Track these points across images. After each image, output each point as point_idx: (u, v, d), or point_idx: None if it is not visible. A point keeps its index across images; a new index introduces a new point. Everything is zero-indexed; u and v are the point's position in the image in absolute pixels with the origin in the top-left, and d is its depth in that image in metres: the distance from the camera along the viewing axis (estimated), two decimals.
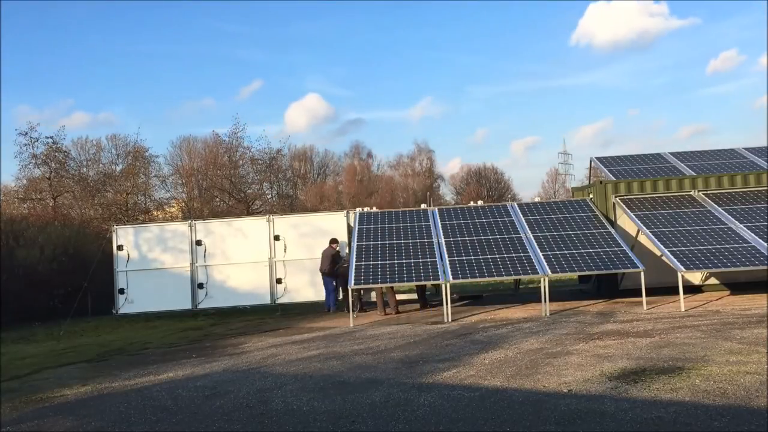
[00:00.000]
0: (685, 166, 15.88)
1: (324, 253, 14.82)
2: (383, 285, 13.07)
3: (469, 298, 15.95)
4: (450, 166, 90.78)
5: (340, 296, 15.03)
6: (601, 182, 15.12)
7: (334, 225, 15.66)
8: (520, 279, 15.40)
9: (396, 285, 13.84)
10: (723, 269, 11.65)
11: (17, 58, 70.23)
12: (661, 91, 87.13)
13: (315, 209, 35.59)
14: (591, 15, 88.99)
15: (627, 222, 14.23)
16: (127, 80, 79.00)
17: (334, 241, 14.97)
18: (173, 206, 33.63)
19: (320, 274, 14.92)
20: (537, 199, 19.02)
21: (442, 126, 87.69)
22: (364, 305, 14.68)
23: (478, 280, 12.69)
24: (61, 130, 36.39)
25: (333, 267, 14.65)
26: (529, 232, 13.70)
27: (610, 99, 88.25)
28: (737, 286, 13.65)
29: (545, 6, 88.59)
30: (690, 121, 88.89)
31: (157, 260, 16.00)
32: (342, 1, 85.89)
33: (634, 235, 13.94)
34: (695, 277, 13.92)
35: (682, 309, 11.17)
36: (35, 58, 73.63)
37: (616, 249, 12.67)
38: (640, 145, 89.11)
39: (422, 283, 12.94)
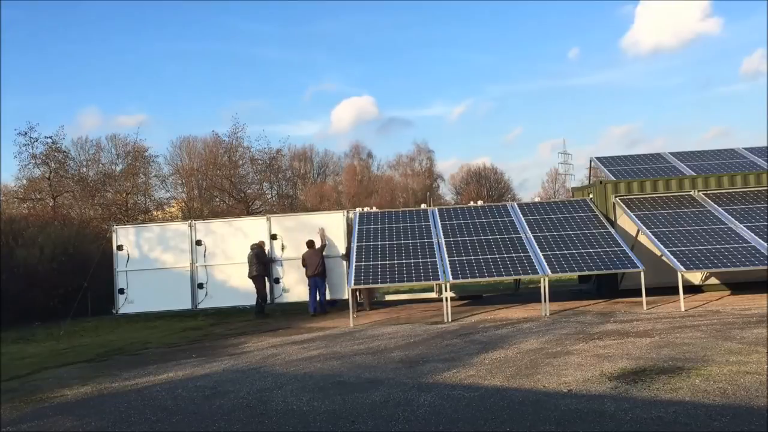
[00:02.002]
0: (685, 166, 15.88)
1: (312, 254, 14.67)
2: (384, 285, 13.09)
3: (469, 298, 15.96)
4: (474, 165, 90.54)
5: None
6: (601, 182, 15.12)
7: (333, 224, 15.63)
8: (520, 279, 15.40)
9: (396, 285, 13.89)
10: (723, 269, 11.65)
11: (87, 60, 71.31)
12: (691, 90, 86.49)
13: (315, 209, 35.61)
14: (627, 15, 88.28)
15: (627, 222, 14.23)
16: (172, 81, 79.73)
17: (312, 243, 14.85)
18: (173, 206, 33.63)
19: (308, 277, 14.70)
20: (537, 199, 19.01)
21: (461, 126, 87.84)
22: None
23: (478, 280, 12.70)
24: (60, 130, 36.31)
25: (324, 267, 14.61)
26: (529, 232, 13.70)
27: (643, 99, 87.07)
28: (737, 286, 13.65)
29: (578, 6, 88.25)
30: (719, 122, 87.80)
31: (157, 260, 15.99)
32: (351, 1, 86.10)
33: (634, 235, 13.94)
34: (695, 277, 13.92)
35: (682, 309, 11.17)
36: (103, 61, 74.47)
37: (616, 249, 12.67)
38: (665, 146, 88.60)
39: (421, 283, 12.95)
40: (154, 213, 30.76)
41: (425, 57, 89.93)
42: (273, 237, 15.81)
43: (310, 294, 14.63)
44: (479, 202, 16.45)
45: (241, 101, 79.05)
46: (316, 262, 14.52)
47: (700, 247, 12.09)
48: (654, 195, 14.67)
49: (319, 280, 14.56)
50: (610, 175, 15.67)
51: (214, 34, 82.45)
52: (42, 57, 71.70)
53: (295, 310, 15.42)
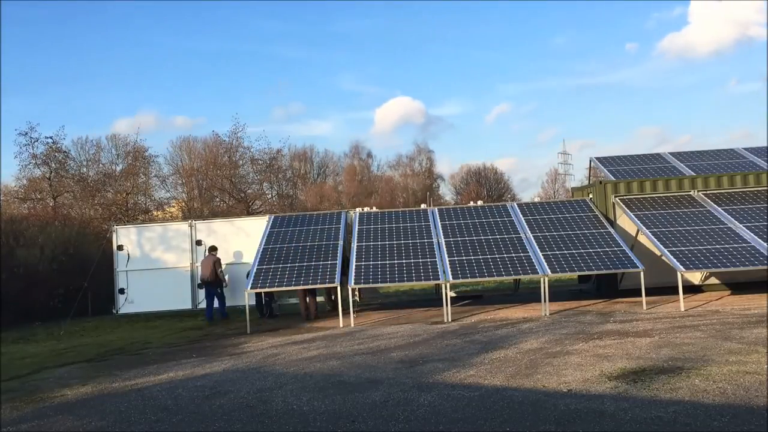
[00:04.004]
0: (684, 166, 15.88)
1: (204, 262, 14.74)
2: (384, 285, 13.10)
3: (469, 298, 15.96)
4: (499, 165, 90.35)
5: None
6: (600, 182, 15.13)
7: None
8: (519, 279, 15.40)
9: (396, 285, 13.89)
10: (723, 269, 11.65)
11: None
12: (725, 90, 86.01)
13: (315, 209, 35.62)
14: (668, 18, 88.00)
15: (627, 222, 14.24)
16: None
17: (213, 248, 14.94)
18: (173, 206, 33.65)
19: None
20: (537, 199, 19.01)
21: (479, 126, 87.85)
22: (273, 311, 14.75)
23: (478, 280, 12.71)
24: (60, 130, 36.34)
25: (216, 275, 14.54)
26: (529, 232, 13.70)
27: (677, 100, 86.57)
28: (737, 286, 13.65)
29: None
30: (747, 123, 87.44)
31: (157, 260, 16.00)
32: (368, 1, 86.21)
33: (633, 235, 13.95)
34: (695, 277, 13.93)
35: (682, 309, 11.18)
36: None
37: (615, 249, 12.67)
38: (689, 146, 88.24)
39: (421, 283, 12.96)
40: (155, 213, 30.76)
41: (450, 56, 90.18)
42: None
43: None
44: (479, 202, 16.45)
45: (255, 100, 79.81)
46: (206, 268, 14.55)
47: (700, 247, 12.10)
48: (654, 195, 14.68)
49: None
50: (610, 175, 15.67)
51: (230, 33, 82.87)
52: (71, 57, 72.79)
53: (295, 310, 15.41)
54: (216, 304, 14.68)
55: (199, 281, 14.90)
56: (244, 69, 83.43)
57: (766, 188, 14.34)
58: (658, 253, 12.52)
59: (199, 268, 14.92)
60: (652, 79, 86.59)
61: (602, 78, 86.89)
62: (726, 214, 13.39)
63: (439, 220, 14.66)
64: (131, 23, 75.43)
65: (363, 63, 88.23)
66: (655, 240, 12.56)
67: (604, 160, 16.98)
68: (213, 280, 14.50)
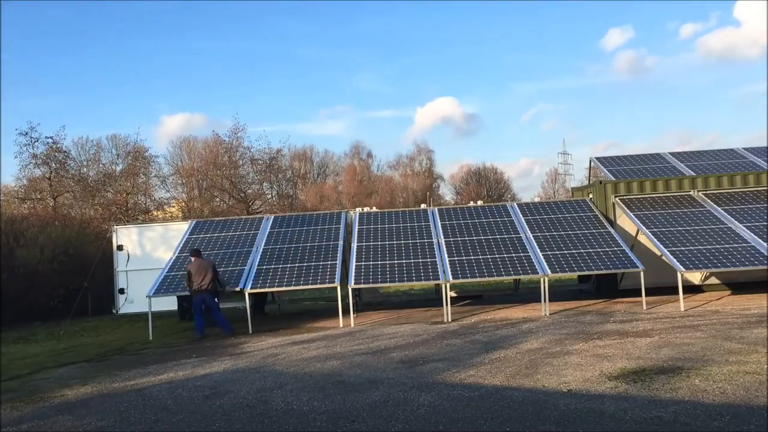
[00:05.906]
0: (684, 166, 15.88)
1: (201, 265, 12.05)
2: (384, 285, 13.11)
3: (469, 297, 15.97)
4: (518, 165, 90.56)
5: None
6: (600, 182, 15.13)
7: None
8: (519, 279, 15.40)
9: (396, 285, 13.90)
10: (723, 269, 11.66)
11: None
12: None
13: (315, 209, 35.63)
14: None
15: (627, 222, 14.24)
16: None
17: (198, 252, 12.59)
18: (173, 206, 33.66)
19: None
20: (537, 199, 19.00)
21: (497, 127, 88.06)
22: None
23: (478, 280, 12.70)
24: (61, 129, 36.33)
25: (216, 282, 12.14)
26: (529, 232, 13.70)
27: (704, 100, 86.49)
28: (737, 286, 13.66)
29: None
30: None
31: (157, 260, 15.96)
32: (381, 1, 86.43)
33: (633, 235, 13.95)
34: (695, 277, 13.93)
35: (682, 309, 11.18)
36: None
37: (615, 249, 12.67)
38: (714, 145, 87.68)
39: (421, 283, 12.96)
40: (155, 213, 30.78)
41: (466, 55, 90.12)
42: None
43: (195, 313, 12.27)
44: (479, 202, 16.45)
45: (268, 99, 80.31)
46: (205, 275, 11.90)
47: (700, 247, 12.10)
48: (654, 195, 14.68)
49: (208, 297, 11.96)
50: (610, 175, 15.67)
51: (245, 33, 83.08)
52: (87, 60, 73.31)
53: (295, 311, 15.42)
54: (208, 316, 12.33)
55: (191, 289, 12.00)
56: (264, 69, 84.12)
57: (766, 188, 14.35)
58: (658, 253, 12.52)
59: (192, 274, 11.92)
60: (688, 78, 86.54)
61: (636, 77, 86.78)
62: (726, 214, 13.39)
63: (439, 220, 14.66)
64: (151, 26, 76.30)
65: (381, 63, 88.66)
66: (655, 240, 12.57)
67: (604, 160, 16.98)
68: (212, 289, 11.98)
